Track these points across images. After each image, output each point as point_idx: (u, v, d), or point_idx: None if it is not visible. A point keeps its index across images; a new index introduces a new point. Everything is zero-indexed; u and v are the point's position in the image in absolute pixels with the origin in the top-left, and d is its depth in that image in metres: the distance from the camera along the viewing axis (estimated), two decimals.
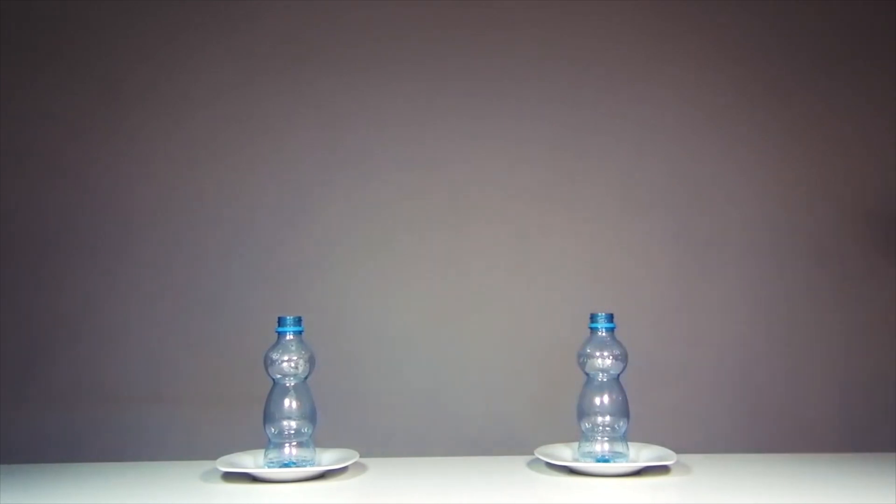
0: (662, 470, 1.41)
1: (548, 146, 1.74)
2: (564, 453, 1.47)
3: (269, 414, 1.41)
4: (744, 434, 1.69)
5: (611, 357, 1.45)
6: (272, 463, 1.40)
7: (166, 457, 1.58)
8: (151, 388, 1.66)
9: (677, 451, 1.44)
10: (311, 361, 1.43)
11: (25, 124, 1.68)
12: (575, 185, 1.74)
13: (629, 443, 1.45)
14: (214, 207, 1.70)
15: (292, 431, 1.41)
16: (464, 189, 1.73)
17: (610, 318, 1.47)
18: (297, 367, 1.42)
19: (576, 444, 1.47)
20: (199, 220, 1.70)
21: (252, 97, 1.71)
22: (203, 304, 1.68)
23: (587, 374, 1.47)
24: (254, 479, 1.37)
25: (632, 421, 1.45)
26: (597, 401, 1.45)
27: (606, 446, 1.44)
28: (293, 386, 1.42)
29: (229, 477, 1.39)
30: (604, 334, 1.46)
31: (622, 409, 1.44)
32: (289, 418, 1.41)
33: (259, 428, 1.42)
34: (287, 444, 1.41)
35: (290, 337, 1.43)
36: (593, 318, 1.47)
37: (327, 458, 1.43)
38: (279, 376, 1.42)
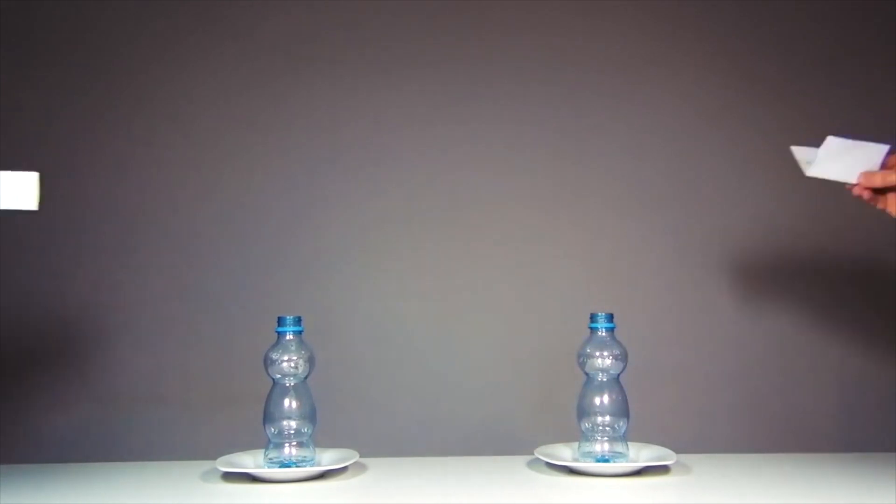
0: (662, 470, 1.41)
1: (547, 146, 1.74)
2: (564, 453, 1.47)
3: (269, 414, 1.41)
4: (744, 434, 1.69)
5: (611, 357, 1.45)
6: (272, 463, 1.40)
7: (166, 457, 1.58)
8: (151, 388, 1.66)
9: (677, 451, 1.44)
10: (311, 361, 1.43)
11: (26, 125, 1.68)
12: (575, 185, 1.74)
13: (629, 443, 1.45)
14: (215, 208, 1.70)
15: (292, 431, 1.41)
16: (464, 189, 1.73)
17: (610, 318, 1.47)
18: (297, 367, 1.42)
19: (576, 444, 1.47)
20: (199, 220, 1.70)
21: (255, 99, 1.71)
22: (203, 304, 1.68)
23: (587, 374, 1.47)
24: (254, 479, 1.37)
25: (632, 421, 1.45)
26: (597, 401, 1.45)
27: (606, 446, 1.44)
28: (293, 386, 1.42)
29: (229, 477, 1.39)
30: (604, 334, 1.46)
31: (622, 409, 1.44)
32: (289, 418, 1.41)
33: (259, 428, 1.42)
34: (287, 444, 1.41)
35: (290, 337, 1.43)
36: (593, 318, 1.47)
37: (327, 458, 1.43)
38: (279, 376, 1.42)
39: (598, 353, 1.45)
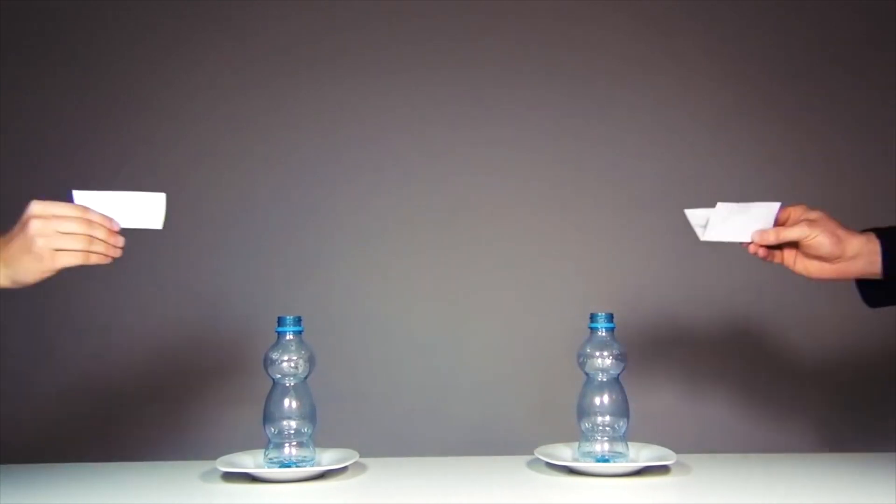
0: (662, 470, 1.41)
1: (548, 147, 1.74)
2: (564, 453, 1.47)
3: (269, 414, 1.41)
4: (744, 434, 1.69)
5: (611, 357, 1.45)
6: (272, 463, 1.40)
7: (166, 457, 1.58)
8: (151, 388, 1.66)
9: (677, 451, 1.44)
10: (311, 361, 1.43)
11: (27, 125, 1.68)
12: (575, 185, 1.74)
13: (629, 443, 1.45)
14: (215, 208, 1.70)
15: (292, 431, 1.41)
16: (464, 190, 1.73)
17: (610, 318, 1.47)
18: (296, 367, 1.42)
19: (576, 444, 1.47)
20: (199, 220, 1.70)
21: (255, 99, 1.72)
22: (203, 305, 1.68)
23: (587, 374, 1.47)
24: (254, 479, 1.37)
25: (632, 421, 1.45)
26: (597, 401, 1.45)
27: (606, 446, 1.44)
28: (293, 386, 1.42)
29: (229, 477, 1.38)
30: (604, 334, 1.46)
31: (622, 409, 1.44)
32: (289, 418, 1.41)
33: (259, 428, 1.42)
34: (287, 444, 1.41)
35: (290, 337, 1.43)
36: (593, 318, 1.47)
37: (327, 458, 1.43)
38: (279, 376, 1.42)
39: (598, 353, 1.45)
